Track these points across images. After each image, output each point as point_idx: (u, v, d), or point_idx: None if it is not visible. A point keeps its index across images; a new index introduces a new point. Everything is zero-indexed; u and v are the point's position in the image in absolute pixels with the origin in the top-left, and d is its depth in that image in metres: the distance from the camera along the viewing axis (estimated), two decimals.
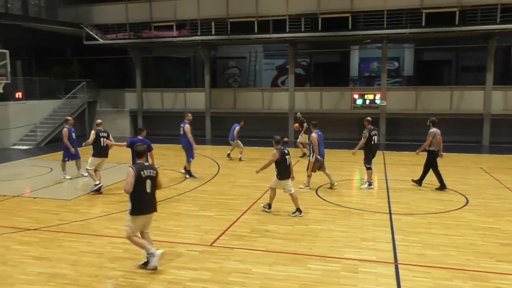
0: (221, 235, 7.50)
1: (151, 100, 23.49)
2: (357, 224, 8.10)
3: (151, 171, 6.10)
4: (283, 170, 8.53)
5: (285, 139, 20.49)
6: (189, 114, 12.43)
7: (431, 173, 10.77)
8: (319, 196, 10.14)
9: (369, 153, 10.94)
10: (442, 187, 10.62)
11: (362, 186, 11.13)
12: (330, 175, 10.87)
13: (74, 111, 21.34)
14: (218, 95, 22.73)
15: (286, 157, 8.52)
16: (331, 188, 10.80)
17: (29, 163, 15.19)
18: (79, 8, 22.50)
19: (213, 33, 20.66)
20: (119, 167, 13.22)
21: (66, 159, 12.12)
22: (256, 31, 19.87)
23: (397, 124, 20.58)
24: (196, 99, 22.63)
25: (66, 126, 12.28)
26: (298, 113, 16.44)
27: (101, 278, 5.84)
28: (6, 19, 19.66)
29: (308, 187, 10.84)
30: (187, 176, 12.17)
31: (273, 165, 8.57)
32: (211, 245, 7.04)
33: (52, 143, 19.39)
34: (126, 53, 23.24)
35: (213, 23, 20.60)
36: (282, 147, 8.65)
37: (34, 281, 5.75)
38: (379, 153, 16.63)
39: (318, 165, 10.71)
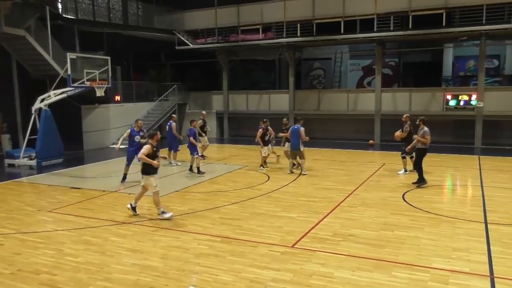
0: (302, 237, 7.47)
1: (237, 102, 24.14)
2: (448, 232, 7.57)
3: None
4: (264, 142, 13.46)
5: (370, 141, 19.93)
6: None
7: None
8: (406, 202, 9.67)
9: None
10: (421, 181, 11.03)
11: (399, 172, 12.80)
12: (302, 164, 12.86)
13: (166, 113, 22.64)
14: (302, 96, 22.69)
15: (267, 132, 13.41)
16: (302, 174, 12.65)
17: (125, 161, 16.36)
18: (172, 15, 23.85)
19: (298, 34, 20.70)
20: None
21: (179, 149, 14.57)
22: (342, 31, 19.52)
23: (496, 127, 18.95)
24: (280, 101, 22.83)
25: (172, 121, 14.91)
26: (285, 119, 14.85)
27: (187, 273, 6.12)
28: (109, 28, 21.46)
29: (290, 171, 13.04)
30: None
31: None
32: (292, 246, 7.03)
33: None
34: (214, 56, 24.17)
35: (298, 25, 20.64)
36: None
37: (128, 272, 6.19)
38: (473, 158, 15.57)
39: (292, 154, 12.93)
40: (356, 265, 6.22)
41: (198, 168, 13.01)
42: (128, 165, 12.23)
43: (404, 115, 12.63)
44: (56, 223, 8.66)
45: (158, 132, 8.83)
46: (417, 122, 11.13)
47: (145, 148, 8.45)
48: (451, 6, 17.63)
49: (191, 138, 12.71)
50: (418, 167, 11.10)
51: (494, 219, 8.26)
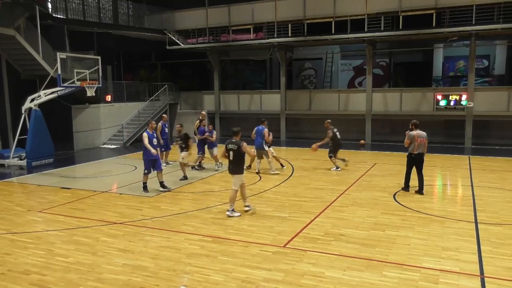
0: (294, 236, 7.49)
1: (228, 102, 24.12)
2: (438, 232, 7.64)
3: (233, 145, 8.60)
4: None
5: (362, 141, 20.00)
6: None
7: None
8: (397, 202, 9.73)
9: (337, 146, 13.45)
10: (406, 188, 10.58)
11: (332, 169, 13.43)
12: (270, 163, 13.06)
13: (157, 113, 22.56)
14: (294, 96, 22.73)
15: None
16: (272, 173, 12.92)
17: (116, 161, 16.33)
18: (163, 15, 23.77)
19: (289, 35, 20.73)
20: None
21: (163, 149, 14.33)
22: (333, 31, 19.59)
23: (486, 127, 19.14)
24: (271, 101, 22.84)
25: (161, 122, 14.48)
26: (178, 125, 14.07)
27: (179, 273, 6.10)
28: (99, 27, 21.32)
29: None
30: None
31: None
32: (284, 246, 7.05)
33: (136, 143, 20.66)
34: (205, 56, 24.11)
35: (289, 25, 20.67)
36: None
37: (119, 272, 6.16)
38: (464, 158, 15.72)
39: (258, 154, 12.88)
40: (347, 264, 6.25)
41: (196, 163, 13.66)
42: (148, 173, 10.87)
43: (326, 121, 13.47)
44: (46, 223, 8.60)
45: (239, 128, 8.89)
46: (410, 127, 10.31)
47: (248, 146, 8.70)
48: (441, 6, 17.76)
49: (197, 136, 13.44)
50: (406, 173, 10.56)
51: (484, 219, 8.35)
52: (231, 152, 8.64)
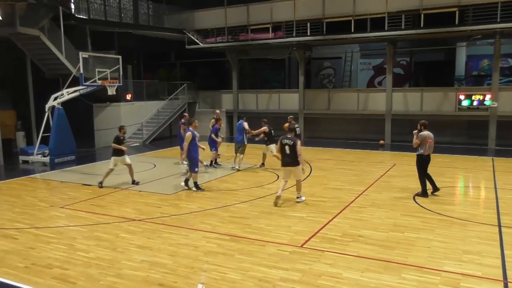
0: (311, 237, 7.45)
1: (247, 101, 24.14)
2: (459, 235, 7.48)
3: (289, 140, 9.42)
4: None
5: (381, 142, 19.80)
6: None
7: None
8: (417, 203, 9.58)
9: (272, 142, 13.67)
10: (424, 194, 10.09)
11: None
12: (240, 160, 13.57)
13: (176, 112, 22.74)
14: (312, 96, 22.61)
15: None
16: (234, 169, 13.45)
17: (136, 159, 16.50)
18: (182, 15, 23.95)
19: (308, 34, 20.61)
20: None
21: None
22: (352, 30, 19.40)
23: (510, 127, 18.67)
24: (289, 100, 22.77)
25: (182, 120, 14.40)
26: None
27: (196, 270, 6.14)
28: (120, 27, 21.62)
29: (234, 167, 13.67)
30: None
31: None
32: (301, 246, 7.02)
33: (155, 141, 20.89)
34: (224, 56, 24.19)
35: (308, 24, 20.54)
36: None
37: (138, 268, 6.24)
38: (487, 159, 15.39)
39: (236, 147, 13.72)
40: (365, 266, 6.19)
41: (211, 161, 13.86)
42: (197, 171, 10.86)
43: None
44: (68, 218, 8.77)
45: (294, 126, 9.98)
46: (418, 127, 9.99)
47: (300, 144, 9.43)
48: (464, 4, 17.37)
49: (212, 134, 13.74)
50: (419, 178, 10.21)
51: (508, 222, 8.13)
52: (286, 147, 9.42)
